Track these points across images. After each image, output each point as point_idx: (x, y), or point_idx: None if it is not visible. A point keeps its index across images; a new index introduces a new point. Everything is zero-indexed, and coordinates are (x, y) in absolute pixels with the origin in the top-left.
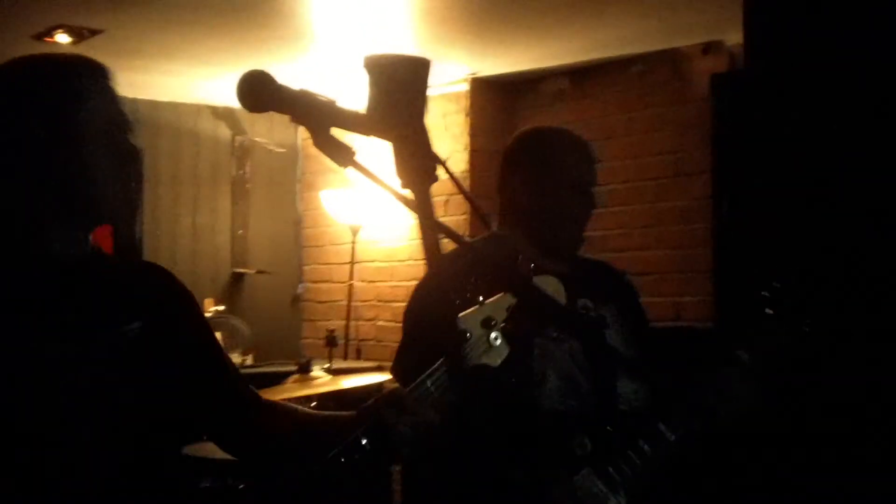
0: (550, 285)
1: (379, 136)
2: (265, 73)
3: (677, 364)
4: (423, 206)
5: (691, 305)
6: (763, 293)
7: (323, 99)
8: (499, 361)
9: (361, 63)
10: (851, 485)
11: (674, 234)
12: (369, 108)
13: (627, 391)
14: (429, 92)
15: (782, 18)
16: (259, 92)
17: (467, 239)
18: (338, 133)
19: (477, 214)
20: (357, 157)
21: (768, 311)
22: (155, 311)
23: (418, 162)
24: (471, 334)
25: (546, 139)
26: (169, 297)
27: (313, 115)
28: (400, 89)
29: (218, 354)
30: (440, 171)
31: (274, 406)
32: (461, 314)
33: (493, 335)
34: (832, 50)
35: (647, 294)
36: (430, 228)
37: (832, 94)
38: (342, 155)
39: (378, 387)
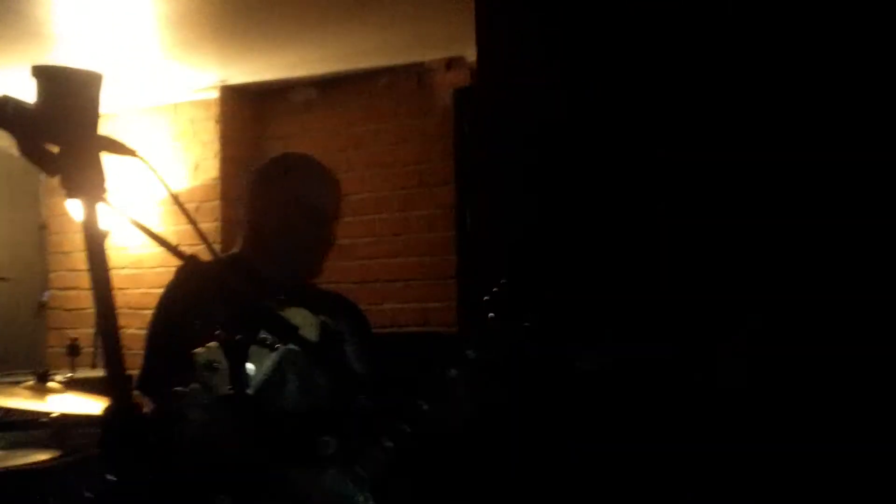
0: (299, 316)
1: (48, 143)
2: None
3: (417, 367)
4: (88, 220)
5: (438, 311)
6: (485, 297)
7: (27, 105)
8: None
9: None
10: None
11: (420, 242)
12: (37, 116)
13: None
14: (102, 106)
15: (511, 34)
16: None
17: (184, 251)
18: None
19: (203, 240)
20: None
21: (490, 314)
22: None
23: (86, 172)
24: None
25: (293, 168)
26: None
27: (16, 121)
28: (69, 100)
29: None
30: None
31: None
32: (205, 347)
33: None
34: (560, 64)
35: (396, 300)
36: (95, 241)
37: (561, 106)
38: (48, 162)
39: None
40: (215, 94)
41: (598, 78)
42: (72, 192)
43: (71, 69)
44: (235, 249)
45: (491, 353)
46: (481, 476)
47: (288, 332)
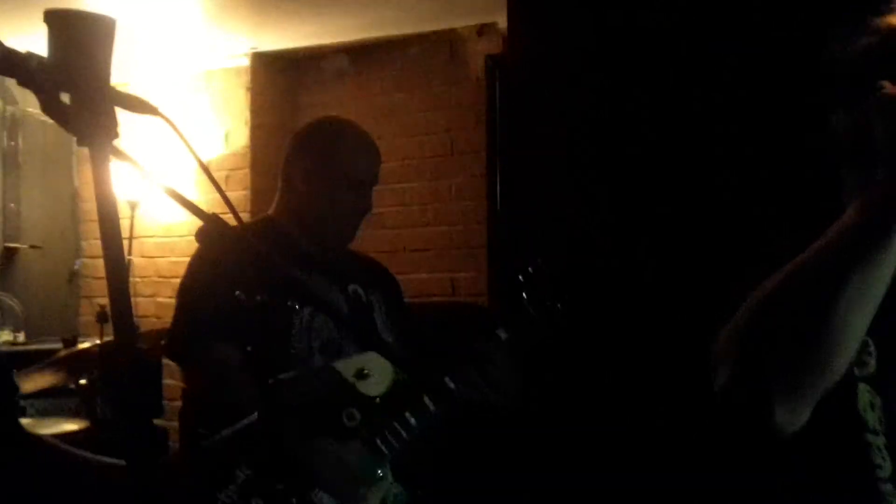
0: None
1: (61, 91)
2: None
3: (446, 340)
4: (99, 166)
5: (467, 281)
6: (519, 276)
7: (50, 62)
8: None
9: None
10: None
11: (450, 212)
12: (49, 62)
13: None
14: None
15: (542, 1)
16: None
17: (215, 214)
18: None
19: (228, 207)
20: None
21: (524, 293)
22: None
23: (98, 119)
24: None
25: (331, 132)
26: None
27: (37, 77)
28: (82, 45)
29: None
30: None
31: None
32: (337, 363)
33: None
34: (591, 29)
35: (425, 270)
36: (105, 187)
37: (593, 75)
38: (67, 118)
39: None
40: (246, 62)
41: (631, 45)
42: (82, 141)
43: (85, 13)
44: (268, 212)
45: (522, 334)
46: (500, 455)
47: (313, 299)
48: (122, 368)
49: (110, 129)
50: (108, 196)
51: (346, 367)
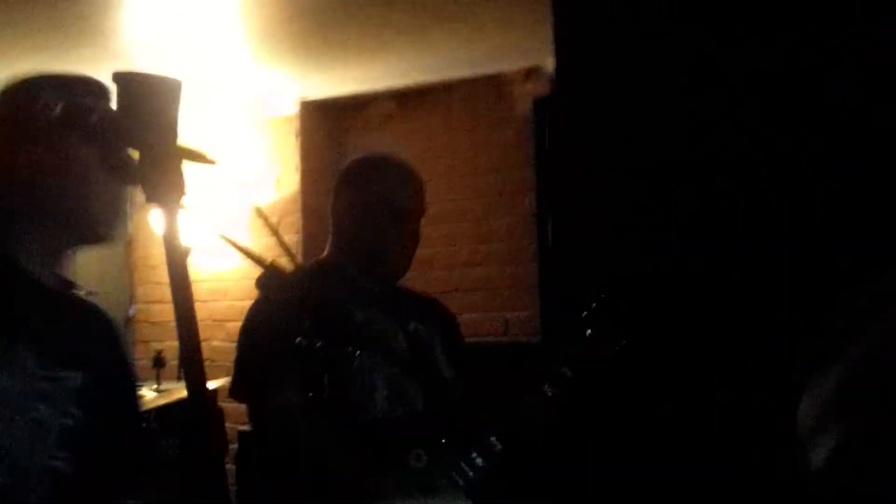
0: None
1: (129, 147)
2: None
3: (503, 378)
4: (168, 228)
5: (519, 320)
6: (583, 313)
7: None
8: None
9: (111, 78)
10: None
11: (500, 252)
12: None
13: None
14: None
15: (589, 43)
16: None
17: (266, 260)
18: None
19: (286, 251)
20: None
21: (587, 330)
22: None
23: (166, 177)
24: None
25: (369, 165)
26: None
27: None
28: (149, 105)
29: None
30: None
31: None
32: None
33: None
34: (639, 73)
35: (477, 310)
36: (175, 244)
37: (641, 116)
38: (130, 171)
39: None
40: (295, 109)
41: (679, 86)
42: (151, 198)
43: (151, 75)
44: (323, 255)
45: (586, 371)
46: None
47: (372, 343)
48: (196, 413)
49: (178, 187)
50: (179, 253)
51: None
